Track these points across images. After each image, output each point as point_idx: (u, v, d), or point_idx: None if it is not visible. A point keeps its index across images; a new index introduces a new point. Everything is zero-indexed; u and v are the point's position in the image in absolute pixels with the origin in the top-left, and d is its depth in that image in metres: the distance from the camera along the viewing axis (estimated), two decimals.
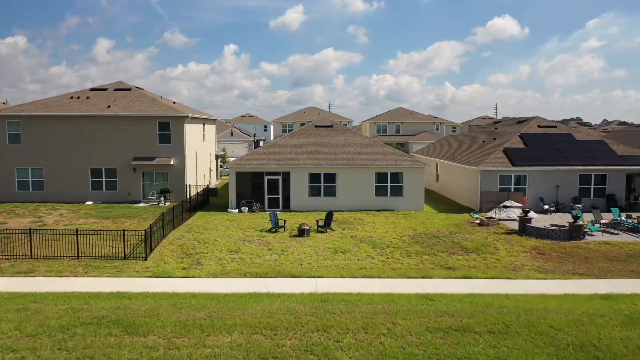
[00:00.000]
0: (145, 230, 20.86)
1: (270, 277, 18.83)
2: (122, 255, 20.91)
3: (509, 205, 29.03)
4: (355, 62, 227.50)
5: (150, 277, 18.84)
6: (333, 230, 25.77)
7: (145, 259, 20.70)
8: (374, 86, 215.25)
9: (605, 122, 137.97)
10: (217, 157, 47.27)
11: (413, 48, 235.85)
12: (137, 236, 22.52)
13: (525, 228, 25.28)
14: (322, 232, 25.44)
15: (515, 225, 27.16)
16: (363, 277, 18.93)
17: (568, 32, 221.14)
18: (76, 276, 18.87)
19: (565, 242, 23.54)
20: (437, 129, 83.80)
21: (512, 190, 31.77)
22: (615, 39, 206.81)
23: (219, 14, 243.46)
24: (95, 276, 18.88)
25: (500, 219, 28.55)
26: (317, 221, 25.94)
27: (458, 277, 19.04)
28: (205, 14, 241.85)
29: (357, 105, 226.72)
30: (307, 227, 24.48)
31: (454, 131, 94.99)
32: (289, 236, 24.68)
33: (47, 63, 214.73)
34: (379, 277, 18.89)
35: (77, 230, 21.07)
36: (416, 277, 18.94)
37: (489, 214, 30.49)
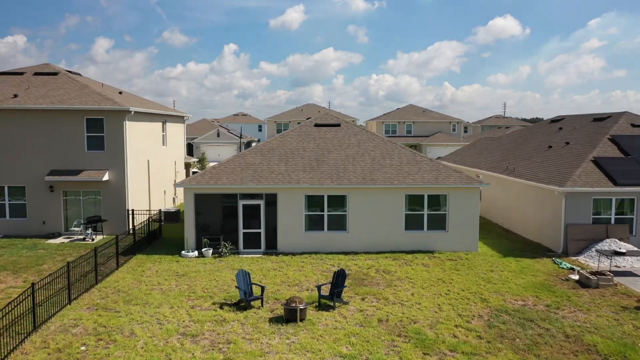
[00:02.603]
0: None
1: None
2: None
3: (624, 251, 18.27)
4: (355, 62, 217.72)
5: None
6: (346, 304, 15.04)
7: None
8: (373, 86, 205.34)
9: None
10: (187, 165, 36.50)
11: (413, 48, 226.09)
12: None
13: None
14: (327, 306, 14.76)
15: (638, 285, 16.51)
16: None
17: (569, 31, 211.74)
18: None
19: None
20: (454, 129, 73.07)
21: (613, 222, 21.07)
22: (615, 39, 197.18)
23: (218, 13, 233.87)
24: None
25: (611, 272, 17.84)
26: (319, 288, 15.10)
27: None
28: (204, 13, 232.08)
29: (357, 106, 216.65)
30: (302, 306, 13.68)
31: (465, 132, 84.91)
32: (269, 320, 13.90)
33: (46, 62, 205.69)
34: None
35: None
36: None
37: (582, 259, 19.83)
